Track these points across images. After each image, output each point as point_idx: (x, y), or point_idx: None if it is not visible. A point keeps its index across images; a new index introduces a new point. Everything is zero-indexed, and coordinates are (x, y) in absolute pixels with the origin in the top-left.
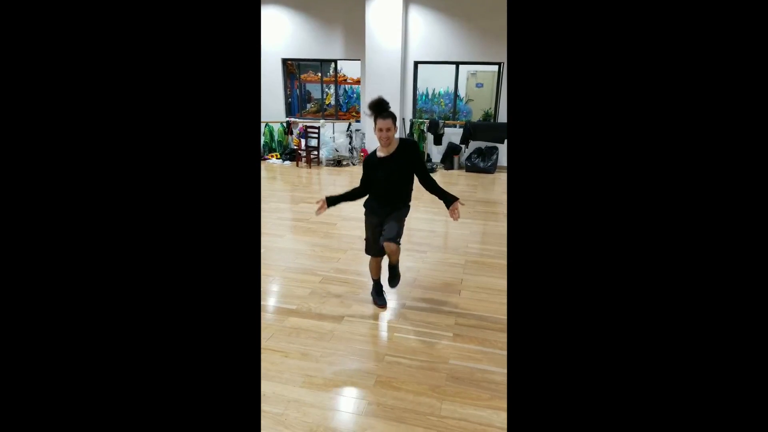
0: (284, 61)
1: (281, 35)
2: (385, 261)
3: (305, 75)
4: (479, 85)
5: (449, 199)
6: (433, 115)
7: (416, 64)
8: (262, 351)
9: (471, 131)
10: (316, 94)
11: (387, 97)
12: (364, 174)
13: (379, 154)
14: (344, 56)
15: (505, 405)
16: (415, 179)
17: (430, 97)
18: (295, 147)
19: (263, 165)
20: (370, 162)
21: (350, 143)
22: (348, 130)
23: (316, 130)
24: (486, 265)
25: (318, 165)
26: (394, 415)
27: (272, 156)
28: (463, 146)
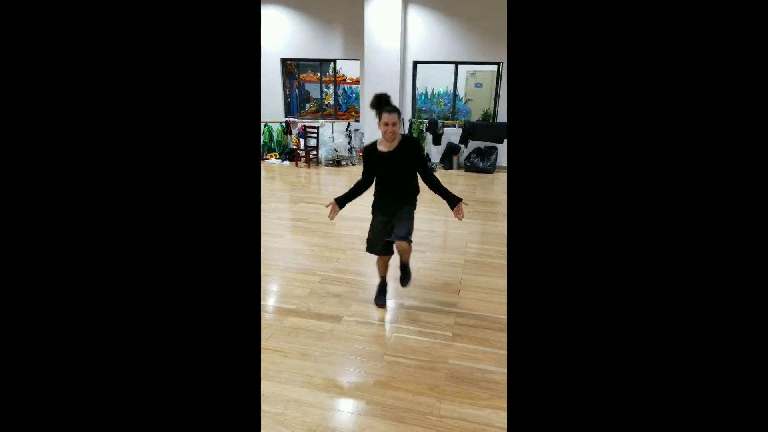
0: (283, 60)
1: (280, 35)
2: (393, 260)
3: (304, 75)
4: (478, 85)
5: (453, 200)
6: (432, 115)
7: (415, 63)
8: (261, 351)
9: (470, 131)
10: (315, 93)
11: None
12: (365, 165)
13: (381, 148)
14: (343, 56)
15: (504, 404)
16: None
17: (429, 96)
18: (294, 147)
19: (262, 165)
20: (371, 153)
21: (349, 143)
22: (347, 129)
23: (315, 130)
24: (485, 264)
25: (317, 165)
26: (394, 414)
27: (271, 156)
28: (462, 146)
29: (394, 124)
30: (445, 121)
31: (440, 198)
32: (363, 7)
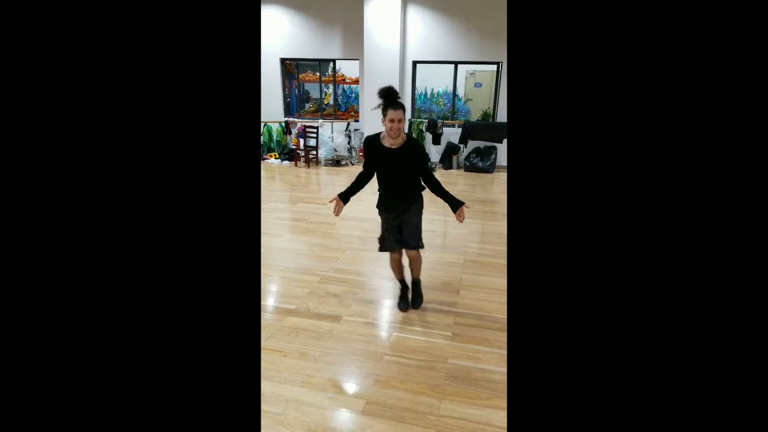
0: (283, 60)
1: (280, 35)
2: (405, 263)
3: (304, 75)
4: (478, 85)
5: (455, 204)
6: (431, 115)
7: (415, 63)
8: (261, 351)
9: (469, 131)
10: (314, 93)
11: None
12: (366, 156)
13: (384, 142)
14: (343, 56)
15: (503, 404)
16: None
17: (428, 96)
18: (294, 147)
19: (262, 165)
20: (374, 144)
21: (349, 143)
22: (347, 129)
23: (315, 130)
24: (485, 264)
25: (316, 165)
26: (393, 414)
27: (271, 156)
28: (461, 146)
29: (399, 121)
30: (445, 121)
31: (440, 198)
32: (362, 7)
